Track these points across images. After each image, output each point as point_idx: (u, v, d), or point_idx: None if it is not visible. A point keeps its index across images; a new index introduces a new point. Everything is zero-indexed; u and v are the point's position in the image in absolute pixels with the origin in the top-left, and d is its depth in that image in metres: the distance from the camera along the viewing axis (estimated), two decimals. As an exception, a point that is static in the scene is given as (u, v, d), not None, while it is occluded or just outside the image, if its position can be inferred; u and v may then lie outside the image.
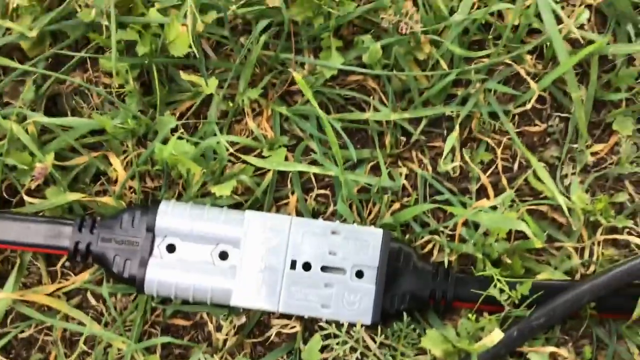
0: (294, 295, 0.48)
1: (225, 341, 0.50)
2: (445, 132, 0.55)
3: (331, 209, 0.53)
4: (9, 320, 0.50)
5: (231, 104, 0.54)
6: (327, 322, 0.48)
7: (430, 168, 0.54)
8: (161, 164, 0.50)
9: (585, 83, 0.55)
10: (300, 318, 0.50)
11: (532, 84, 0.53)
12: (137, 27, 0.52)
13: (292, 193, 0.53)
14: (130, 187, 0.53)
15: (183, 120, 0.54)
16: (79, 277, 0.51)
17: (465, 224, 0.51)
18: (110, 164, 0.52)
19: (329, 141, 0.47)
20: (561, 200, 0.50)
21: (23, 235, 0.48)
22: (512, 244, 0.50)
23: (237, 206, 0.51)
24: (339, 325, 0.48)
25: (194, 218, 0.49)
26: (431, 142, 0.55)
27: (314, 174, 0.53)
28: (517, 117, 0.56)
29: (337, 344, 0.45)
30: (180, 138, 0.50)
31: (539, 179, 0.52)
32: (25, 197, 0.50)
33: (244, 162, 0.52)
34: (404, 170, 0.54)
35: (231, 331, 0.50)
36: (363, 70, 0.54)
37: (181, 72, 0.53)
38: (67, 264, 0.51)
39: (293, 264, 0.48)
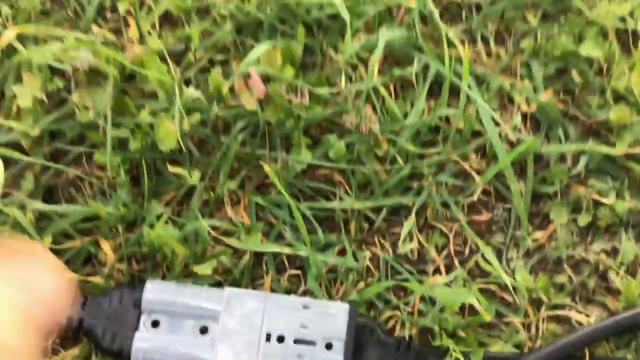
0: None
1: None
2: (403, 219, 0.62)
3: (302, 288, 0.59)
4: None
5: (212, 194, 0.60)
6: (299, 391, 0.52)
7: (390, 251, 0.61)
8: (148, 246, 0.55)
9: (524, 178, 0.63)
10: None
11: (477, 178, 0.61)
12: (130, 126, 0.59)
13: (267, 273, 0.59)
14: (119, 269, 0.57)
15: (168, 207, 0.60)
16: (69, 353, 0.54)
17: (423, 300, 0.57)
18: (101, 248, 0.57)
19: (298, 226, 0.54)
20: (507, 279, 0.56)
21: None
22: (466, 319, 0.56)
23: (218, 285, 0.56)
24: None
25: (177, 295, 0.54)
26: (391, 228, 0.62)
27: (287, 256, 0.59)
28: (466, 207, 0.63)
29: None
30: (166, 223, 0.56)
31: (487, 261, 0.59)
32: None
33: (224, 244, 0.58)
34: (367, 254, 0.60)
35: (209, 403, 0.53)
36: (329, 164, 0.61)
37: (168, 165, 0.60)
38: (57, 340, 0.55)
39: (268, 337, 0.53)
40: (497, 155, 0.61)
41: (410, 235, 0.60)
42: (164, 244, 0.54)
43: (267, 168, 0.55)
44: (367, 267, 0.60)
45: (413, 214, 0.61)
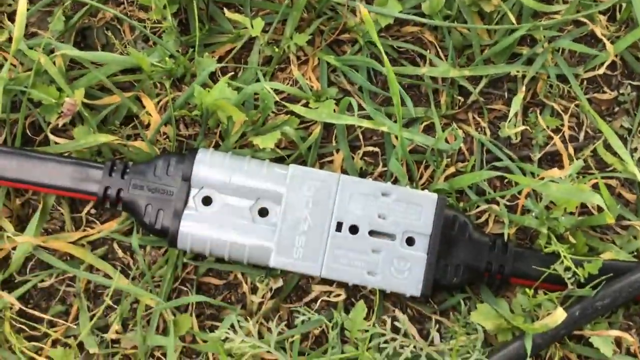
0: (338, 260, 0.44)
1: (260, 305, 0.46)
2: (506, 94, 0.51)
3: (379, 169, 0.49)
4: (28, 268, 0.46)
5: (276, 49, 0.49)
6: (373, 290, 0.45)
7: (488, 132, 0.50)
8: (200, 109, 0.45)
9: (660, 51, 0.50)
10: (343, 285, 0.46)
11: (609, 45, 0.49)
12: (179, -43, 0.47)
13: (337, 151, 0.49)
14: (164, 134, 0.48)
15: (223, 64, 0.50)
16: (106, 226, 0.47)
17: (528, 194, 0.47)
18: (143, 107, 0.48)
19: (391, 92, 0.43)
20: (637, 172, 0.45)
21: (48, 177, 0.44)
22: (578, 220, 0.46)
23: (279, 160, 0.47)
24: (385, 295, 0.44)
25: (234, 170, 0.45)
26: (491, 104, 0.51)
27: (363, 131, 0.49)
28: (585, 82, 0.51)
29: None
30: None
31: (608, 150, 0.48)
32: (51, 136, 0.46)
33: (289, 112, 0.48)
34: (460, 133, 0.49)
35: (267, 294, 0.46)
36: (422, 20, 0.49)
37: (225, 10, 0.49)
38: (93, 211, 0.47)
39: (339, 226, 0.44)
40: (632, 20, 0.48)
41: (515, 114, 0.49)
42: (218, 108, 0.44)
43: (361, 7, 0.43)
44: (459, 150, 0.49)
45: (523, 87, 0.49)
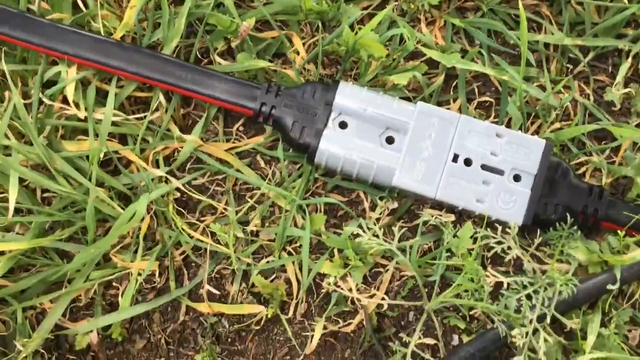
0: (452, 186, 0.51)
1: (377, 220, 0.53)
2: (610, 68, 0.57)
3: (491, 118, 0.56)
4: (187, 168, 0.55)
5: (411, 6, 0.57)
6: (479, 216, 0.51)
7: (592, 98, 0.56)
8: (346, 45, 0.53)
9: None
10: (452, 211, 0.53)
11: None
12: None
13: (455, 100, 0.56)
14: (307, 70, 0.56)
15: (366, 11, 0.57)
16: (253, 140, 0.55)
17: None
18: (293, 44, 0.56)
19: (522, 42, 0.49)
20: None
21: (216, 90, 0.53)
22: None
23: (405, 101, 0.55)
24: (490, 222, 0.51)
25: (369, 101, 0.52)
26: (595, 75, 0.57)
27: (478, 85, 0.56)
28: (685, 63, 0.57)
29: (497, 243, 0.47)
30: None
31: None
32: (217, 58, 0.55)
33: (422, 57, 0.55)
34: (567, 97, 0.56)
35: (384, 212, 0.53)
36: (542, -8, 0.56)
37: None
38: (242, 128, 0.56)
39: (455, 158, 0.51)
40: None
41: (620, 81, 0.55)
42: (363, 45, 0.52)
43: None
44: (564, 111, 0.55)
45: (630, 58, 0.55)
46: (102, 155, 0.51)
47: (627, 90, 0.55)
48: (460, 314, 0.50)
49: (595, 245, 0.51)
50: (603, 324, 0.48)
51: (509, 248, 0.46)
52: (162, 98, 0.54)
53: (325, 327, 0.51)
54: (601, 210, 0.51)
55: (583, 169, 0.54)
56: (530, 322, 0.45)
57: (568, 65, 0.57)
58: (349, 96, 0.52)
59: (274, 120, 0.53)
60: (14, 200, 0.49)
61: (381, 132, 0.52)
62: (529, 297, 0.44)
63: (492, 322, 0.50)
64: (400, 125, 0.52)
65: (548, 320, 0.46)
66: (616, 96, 0.55)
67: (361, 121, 0.52)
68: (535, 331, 0.45)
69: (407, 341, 0.46)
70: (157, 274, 0.52)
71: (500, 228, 0.48)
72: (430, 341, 0.48)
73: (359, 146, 0.52)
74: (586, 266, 0.50)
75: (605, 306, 0.49)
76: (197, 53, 0.56)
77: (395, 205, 0.53)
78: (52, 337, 0.51)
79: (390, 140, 0.52)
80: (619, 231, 0.50)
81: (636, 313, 0.50)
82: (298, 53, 0.56)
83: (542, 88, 0.56)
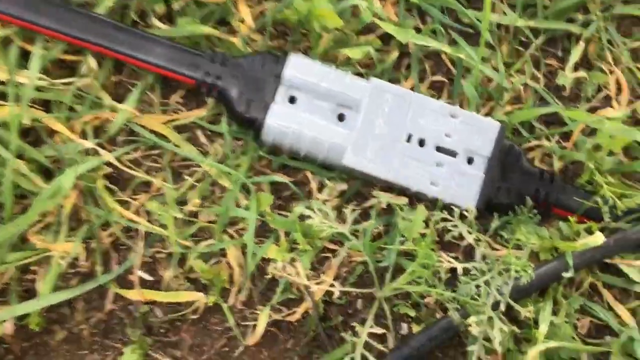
0: (405, 167, 0.49)
1: (324, 202, 0.50)
2: (560, 52, 0.56)
3: (444, 98, 0.54)
4: (119, 140, 0.50)
5: (363, -20, 0.54)
6: (432, 199, 0.49)
7: (542, 82, 0.55)
8: (297, 14, 0.50)
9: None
10: (403, 193, 0.50)
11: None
12: None
13: (406, 78, 0.54)
14: (254, 40, 0.52)
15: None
16: (194, 113, 0.50)
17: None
18: (238, 11, 0.52)
19: (482, 18, 0.47)
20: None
21: (155, 56, 0.48)
22: (626, 163, 0.51)
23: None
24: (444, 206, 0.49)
25: (321, 75, 0.49)
26: (546, 59, 0.56)
27: (430, 65, 0.54)
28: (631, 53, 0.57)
29: (453, 226, 0.45)
30: None
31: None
32: (156, 22, 0.50)
33: (376, 31, 0.52)
34: (518, 79, 0.54)
35: (333, 193, 0.50)
36: (497, -27, 0.54)
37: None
38: (180, 100, 0.51)
39: (409, 138, 0.49)
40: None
41: (572, 65, 0.55)
42: (317, 15, 0.49)
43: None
44: (516, 94, 0.54)
45: (582, 42, 0.54)
46: (23, 122, 0.45)
47: (579, 74, 0.54)
48: (410, 302, 0.48)
49: (545, 232, 0.50)
50: (554, 313, 0.48)
51: (468, 232, 0.44)
52: (92, 62, 0.48)
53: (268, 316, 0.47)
54: (552, 195, 0.50)
55: (533, 153, 0.53)
56: (485, 310, 0.43)
57: (519, 47, 0.56)
58: (299, 69, 0.49)
59: (219, 92, 0.49)
60: None
61: (333, 108, 0.49)
62: (486, 283, 0.43)
63: (443, 310, 0.48)
64: (353, 102, 0.49)
65: (502, 308, 0.44)
66: (568, 80, 0.54)
67: (312, 96, 0.49)
68: (489, 319, 0.43)
69: (358, 331, 0.44)
70: (82, 257, 0.47)
71: (457, 212, 0.46)
72: (379, 330, 0.46)
73: (309, 122, 0.49)
74: (537, 253, 0.49)
75: (556, 294, 0.48)
76: (134, 15, 0.51)
77: (345, 186, 0.51)
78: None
79: (341, 118, 0.49)
80: (570, 217, 0.49)
81: (585, 302, 0.49)
82: (244, 21, 0.52)
83: (494, 69, 0.54)
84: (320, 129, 0.49)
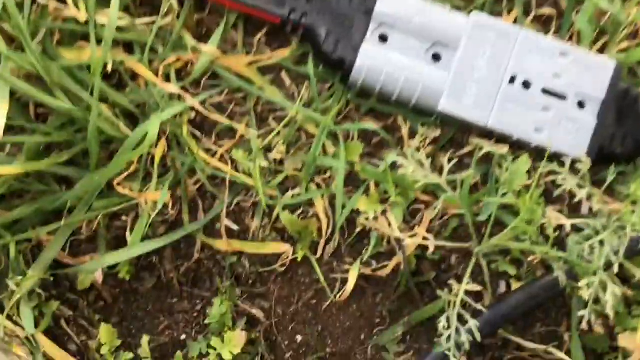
0: (507, 112, 0.44)
1: (417, 150, 0.47)
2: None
3: (551, 35, 0.48)
4: (202, 83, 0.48)
5: None
6: (536, 149, 0.45)
7: (667, 12, 0.49)
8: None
9: None
10: (504, 141, 0.46)
11: None
12: None
13: (509, 12, 0.49)
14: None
15: None
16: (279, 53, 0.47)
17: None
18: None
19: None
20: None
21: (238, -8, 0.45)
22: None
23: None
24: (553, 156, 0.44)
25: (416, 10, 0.45)
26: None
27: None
28: None
29: (563, 179, 0.41)
30: None
31: None
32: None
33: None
34: (637, 12, 0.48)
35: (426, 140, 0.47)
36: None
37: None
38: (264, 38, 0.48)
39: (512, 79, 0.44)
40: None
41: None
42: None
43: None
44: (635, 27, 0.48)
45: None
46: (106, 67, 0.44)
47: None
48: (508, 258, 0.45)
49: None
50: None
51: (579, 187, 0.40)
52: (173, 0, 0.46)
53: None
54: (674, 144, 0.45)
55: (653, 97, 0.48)
56: (595, 273, 0.39)
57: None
58: (392, 4, 0.45)
59: (305, 31, 0.45)
60: (5, 115, 0.42)
61: (428, 47, 0.45)
62: (601, 243, 0.39)
63: (545, 268, 0.45)
64: (451, 40, 0.45)
65: (615, 269, 0.40)
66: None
67: (405, 34, 0.45)
68: (600, 282, 0.40)
69: (454, 288, 0.41)
70: (169, 205, 0.46)
71: (567, 163, 0.41)
72: (475, 288, 0.43)
73: (402, 63, 0.45)
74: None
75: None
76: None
77: (438, 133, 0.47)
78: (50, 275, 0.45)
79: (437, 58, 0.45)
80: (694, 169, 0.44)
81: None
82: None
83: (609, 1, 0.48)
84: (414, 71, 0.45)
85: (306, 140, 0.47)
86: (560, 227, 0.42)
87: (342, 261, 0.46)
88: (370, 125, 0.46)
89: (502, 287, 0.45)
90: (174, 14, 0.46)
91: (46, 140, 0.44)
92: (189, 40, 0.46)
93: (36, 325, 0.44)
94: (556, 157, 0.45)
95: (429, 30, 0.45)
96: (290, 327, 0.47)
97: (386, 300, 0.46)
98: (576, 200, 0.40)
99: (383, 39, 0.45)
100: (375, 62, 0.45)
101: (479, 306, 0.42)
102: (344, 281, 0.46)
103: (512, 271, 0.44)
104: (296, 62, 0.48)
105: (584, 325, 0.38)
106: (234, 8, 0.46)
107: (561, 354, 0.43)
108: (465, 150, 0.47)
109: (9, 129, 0.43)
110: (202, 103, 0.46)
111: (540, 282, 0.43)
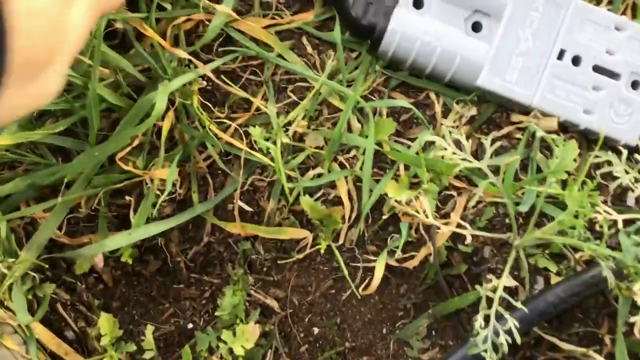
0: (554, 90, 0.40)
1: (454, 129, 0.42)
2: None
3: (604, 5, 0.44)
4: (215, 48, 0.43)
5: None
6: (584, 130, 0.41)
7: None
8: None
9: None
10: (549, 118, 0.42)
11: None
12: None
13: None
14: None
15: None
16: (300, 17, 0.43)
17: None
18: None
19: None
20: None
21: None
22: None
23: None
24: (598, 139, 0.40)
25: (456, -27, 0.40)
26: None
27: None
28: None
29: (619, 171, 0.37)
30: None
31: None
32: None
33: None
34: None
35: (461, 120, 0.42)
36: None
37: None
38: (283, 1, 0.43)
39: (561, 54, 0.40)
40: None
41: None
42: None
43: None
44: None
45: None
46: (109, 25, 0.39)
47: None
48: (548, 253, 0.41)
49: None
50: None
51: (635, 180, 0.35)
52: (184, -47, 0.41)
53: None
54: None
55: None
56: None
57: None
58: (429, -35, 0.40)
59: None
60: None
61: (467, 15, 0.40)
62: (660, 243, 0.35)
63: (587, 264, 0.41)
64: (494, 8, 0.40)
65: (670, 270, 0.36)
66: None
67: (442, 0, 0.40)
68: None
69: (493, 283, 0.37)
70: (177, 184, 0.41)
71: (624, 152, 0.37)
72: (511, 283, 0.39)
73: (439, 31, 0.40)
74: None
75: None
76: None
77: (474, 111, 0.43)
78: (45, 258, 0.41)
79: (477, 28, 0.41)
80: None
81: None
82: None
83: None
84: (452, 41, 0.40)
85: (328, 114, 0.43)
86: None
87: (365, 248, 0.42)
88: (403, 102, 0.41)
89: (540, 284, 0.42)
90: (185, -32, 0.41)
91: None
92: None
93: (30, 311, 0.40)
94: (605, 142, 0.41)
95: (470, -5, 0.40)
96: (306, 319, 0.43)
97: (411, 293, 0.43)
98: (636, 194, 0.36)
99: (418, 4, 0.40)
100: (409, 30, 0.40)
101: (516, 303, 0.38)
102: (366, 271, 0.42)
103: (552, 268, 0.40)
104: (319, 27, 0.43)
105: (637, 332, 0.34)
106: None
107: (601, 359, 0.39)
108: (505, 130, 0.43)
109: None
110: (215, 71, 0.42)
111: (582, 277, 0.39)
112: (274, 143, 0.40)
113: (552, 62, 0.40)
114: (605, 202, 0.42)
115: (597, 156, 0.38)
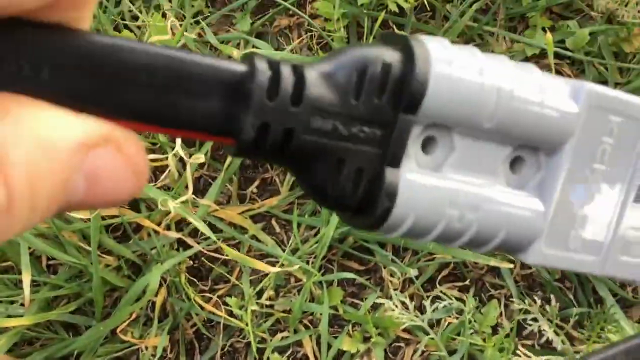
0: (630, 249, 0.16)
1: (396, 291, 0.51)
2: None
3: None
4: (199, 235, 0.52)
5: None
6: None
7: None
8: None
9: None
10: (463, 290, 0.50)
11: None
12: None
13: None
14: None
15: None
16: (267, 202, 0.52)
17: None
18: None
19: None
20: None
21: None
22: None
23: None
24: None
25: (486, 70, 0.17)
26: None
27: None
28: None
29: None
30: None
31: None
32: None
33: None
34: None
35: (404, 281, 0.51)
36: (566, 52, 0.54)
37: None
38: (256, 190, 0.53)
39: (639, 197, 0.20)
40: None
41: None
42: None
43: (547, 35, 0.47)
44: None
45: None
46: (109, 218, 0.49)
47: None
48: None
49: None
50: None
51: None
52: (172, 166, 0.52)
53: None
54: None
55: None
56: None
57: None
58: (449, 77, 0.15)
59: (290, 158, 0.40)
60: (29, 279, 0.46)
61: (508, 153, 0.18)
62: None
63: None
64: (552, 137, 0.16)
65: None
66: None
67: (465, 135, 0.17)
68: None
69: None
70: (168, 349, 0.49)
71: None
72: None
73: (457, 189, 0.17)
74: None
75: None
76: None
77: (416, 272, 0.51)
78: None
79: (518, 167, 0.19)
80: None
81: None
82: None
83: None
84: (485, 195, 0.17)
85: (295, 282, 0.51)
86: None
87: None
88: (350, 275, 0.50)
89: None
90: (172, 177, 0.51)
91: (58, 293, 0.48)
92: (187, 193, 0.52)
93: None
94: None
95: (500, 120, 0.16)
96: None
97: None
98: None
99: (429, 145, 0.16)
100: (426, 192, 0.16)
101: None
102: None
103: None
104: (285, 210, 0.53)
105: None
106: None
107: None
108: (444, 287, 0.51)
109: (20, 281, 0.48)
110: (198, 253, 0.51)
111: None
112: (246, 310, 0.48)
113: (630, 207, 0.19)
114: (532, 346, 0.49)
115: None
